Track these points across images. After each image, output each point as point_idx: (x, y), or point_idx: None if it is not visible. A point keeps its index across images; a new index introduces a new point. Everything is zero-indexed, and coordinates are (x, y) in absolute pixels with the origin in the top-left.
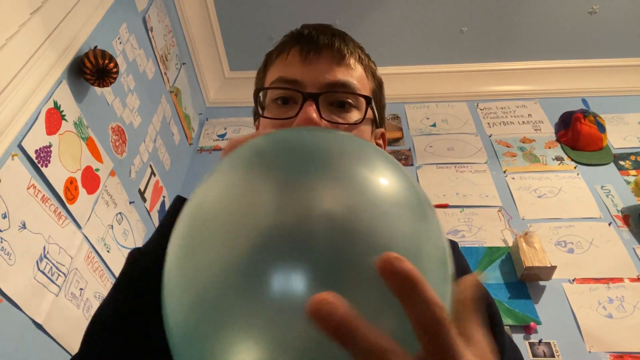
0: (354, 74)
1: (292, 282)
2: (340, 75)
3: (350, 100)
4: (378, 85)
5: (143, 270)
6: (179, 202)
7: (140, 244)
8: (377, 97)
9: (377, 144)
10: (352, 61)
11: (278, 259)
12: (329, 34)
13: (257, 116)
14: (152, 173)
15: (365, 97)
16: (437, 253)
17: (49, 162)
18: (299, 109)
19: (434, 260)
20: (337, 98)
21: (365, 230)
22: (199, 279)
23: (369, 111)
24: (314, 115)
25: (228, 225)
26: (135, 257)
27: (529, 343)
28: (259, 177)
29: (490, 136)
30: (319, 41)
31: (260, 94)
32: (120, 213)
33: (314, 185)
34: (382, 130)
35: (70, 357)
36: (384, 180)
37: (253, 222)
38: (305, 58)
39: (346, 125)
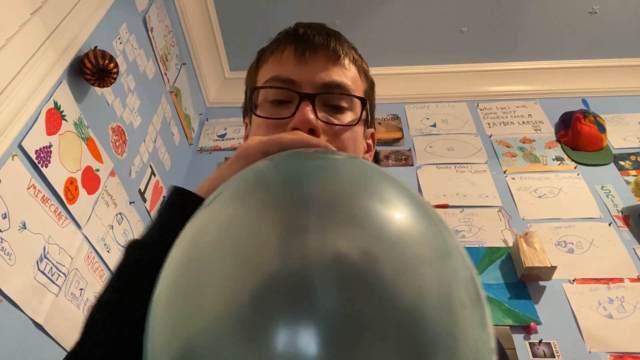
0: (349, 75)
1: (297, 341)
2: (336, 75)
3: (344, 104)
4: (370, 86)
5: (142, 262)
6: (178, 196)
7: None
8: (369, 98)
9: (367, 144)
10: (346, 61)
11: (282, 311)
12: (324, 34)
13: (247, 113)
14: (152, 173)
15: (361, 98)
16: (469, 292)
17: (49, 162)
18: (295, 109)
19: (467, 303)
20: (332, 101)
21: (387, 281)
22: (191, 324)
23: (363, 113)
24: (311, 116)
25: (228, 267)
26: (134, 249)
27: (529, 343)
28: (265, 215)
29: (490, 136)
30: (314, 41)
31: (249, 93)
32: (120, 213)
33: (325, 225)
34: (372, 130)
35: (68, 351)
36: (401, 216)
37: (256, 266)
38: (300, 57)
39: (341, 126)
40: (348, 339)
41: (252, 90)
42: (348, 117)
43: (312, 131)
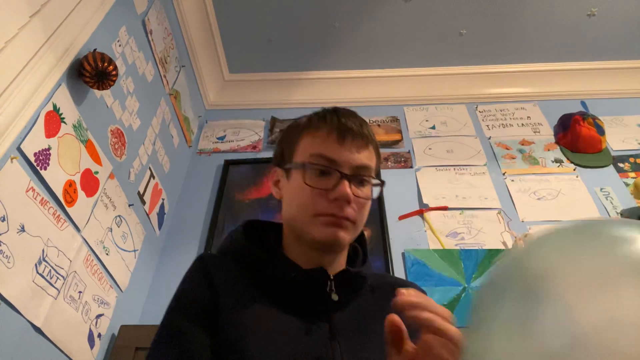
0: (371, 157)
1: None
2: (365, 159)
3: (366, 179)
4: (378, 157)
5: None
6: None
7: (139, 247)
8: (378, 169)
9: None
10: (371, 146)
11: None
12: (358, 123)
13: (281, 163)
14: (152, 176)
15: (380, 182)
16: None
17: (48, 164)
18: (334, 182)
19: None
20: (359, 178)
21: None
22: None
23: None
24: (349, 191)
25: None
26: None
27: None
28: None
29: (489, 138)
30: (352, 129)
31: (287, 151)
32: (119, 216)
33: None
34: None
35: None
36: None
37: None
38: (343, 142)
39: (364, 199)
40: None
41: (303, 164)
42: (367, 189)
43: (348, 202)
